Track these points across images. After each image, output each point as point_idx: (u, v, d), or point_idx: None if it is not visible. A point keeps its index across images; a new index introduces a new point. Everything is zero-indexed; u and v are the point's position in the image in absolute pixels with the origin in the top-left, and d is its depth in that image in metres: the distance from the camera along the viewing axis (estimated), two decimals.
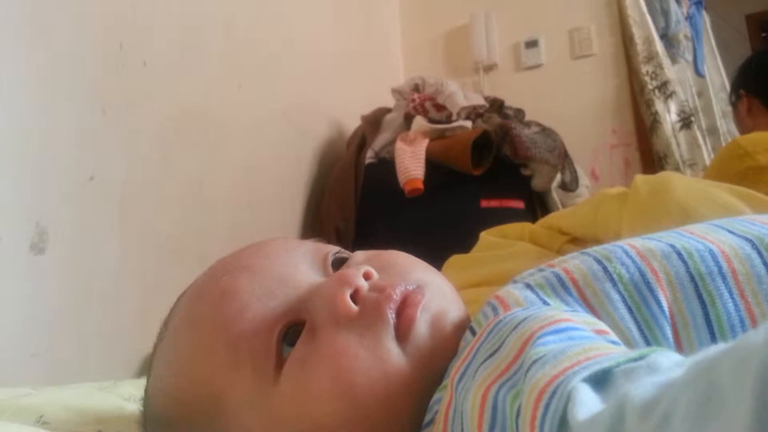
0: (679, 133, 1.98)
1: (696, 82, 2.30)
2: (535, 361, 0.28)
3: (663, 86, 2.00)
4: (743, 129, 1.61)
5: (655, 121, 1.98)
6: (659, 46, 2.03)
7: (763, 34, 4.02)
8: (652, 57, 2.02)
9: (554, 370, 0.27)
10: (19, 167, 0.88)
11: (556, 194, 1.63)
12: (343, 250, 0.46)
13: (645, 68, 2.01)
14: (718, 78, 2.45)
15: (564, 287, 0.38)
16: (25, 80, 0.90)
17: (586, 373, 0.25)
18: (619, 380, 0.25)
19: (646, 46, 2.03)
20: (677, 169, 1.91)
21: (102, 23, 1.04)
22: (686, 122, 1.99)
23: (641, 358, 0.26)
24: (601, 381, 0.25)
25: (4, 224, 0.85)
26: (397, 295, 0.39)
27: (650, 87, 1.99)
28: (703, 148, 1.99)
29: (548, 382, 0.26)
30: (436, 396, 0.37)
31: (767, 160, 1.15)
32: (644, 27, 2.05)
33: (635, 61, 2.04)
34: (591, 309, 0.36)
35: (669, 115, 1.99)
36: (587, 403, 0.24)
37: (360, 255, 0.45)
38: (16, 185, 0.88)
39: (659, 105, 1.98)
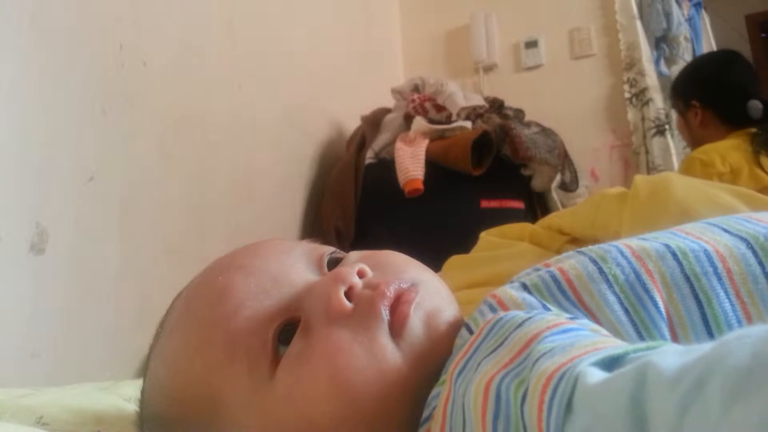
0: (651, 140, 1.99)
1: None
2: (543, 354, 0.28)
3: (641, 94, 2.01)
4: (692, 139, 1.61)
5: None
6: (644, 52, 2.04)
7: (763, 35, 4.01)
8: (633, 64, 2.04)
9: (563, 358, 0.26)
10: (19, 167, 0.88)
11: (556, 194, 1.63)
12: (338, 250, 0.46)
13: (626, 75, 2.03)
14: None
15: (560, 289, 0.38)
16: (25, 80, 0.90)
17: (595, 358, 0.25)
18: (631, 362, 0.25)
19: (629, 53, 2.05)
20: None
21: (102, 23, 1.04)
22: (660, 129, 2.00)
23: (650, 348, 0.26)
24: (610, 367, 0.25)
25: (4, 224, 0.85)
26: (390, 292, 0.39)
27: (627, 95, 2.02)
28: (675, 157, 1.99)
29: (556, 368, 0.26)
30: (434, 392, 0.36)
31: (723, 165, 1.32)
32: (631, 32, 2.06)
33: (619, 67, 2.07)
34: (588, 311, 0.36)
35: (643, 122, 2.01)
36: (598, 377, 0.24)
37: (355, 254, 0.45)
38: (16, 185, 0.88)
39: (635, 113, 2.00)
